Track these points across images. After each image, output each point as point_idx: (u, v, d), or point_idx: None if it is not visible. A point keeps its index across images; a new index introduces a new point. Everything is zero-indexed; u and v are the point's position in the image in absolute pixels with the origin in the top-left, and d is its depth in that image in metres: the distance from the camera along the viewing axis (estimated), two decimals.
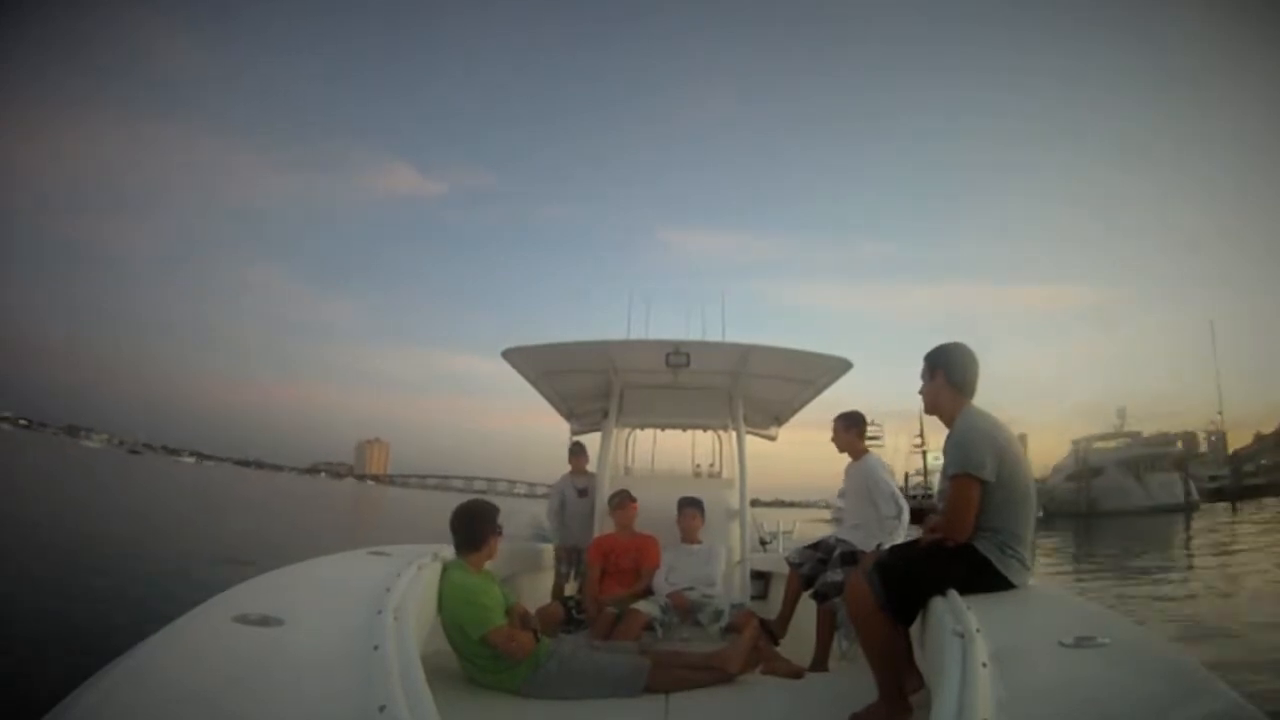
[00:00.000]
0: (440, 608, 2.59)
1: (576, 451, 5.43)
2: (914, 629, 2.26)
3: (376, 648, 1.61)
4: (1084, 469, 43.64)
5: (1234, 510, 34.99)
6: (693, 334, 5.09)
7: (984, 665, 1.53)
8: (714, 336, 5.15)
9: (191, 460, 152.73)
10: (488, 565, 2.89)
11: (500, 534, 2.91)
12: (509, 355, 4.90)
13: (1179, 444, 46.46)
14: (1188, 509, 36.12)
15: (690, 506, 4.40)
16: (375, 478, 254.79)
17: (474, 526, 2.84)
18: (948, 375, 2.38)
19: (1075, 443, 47.95)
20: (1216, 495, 40.89)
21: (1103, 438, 47.55)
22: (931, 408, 2.43)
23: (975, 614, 1.83)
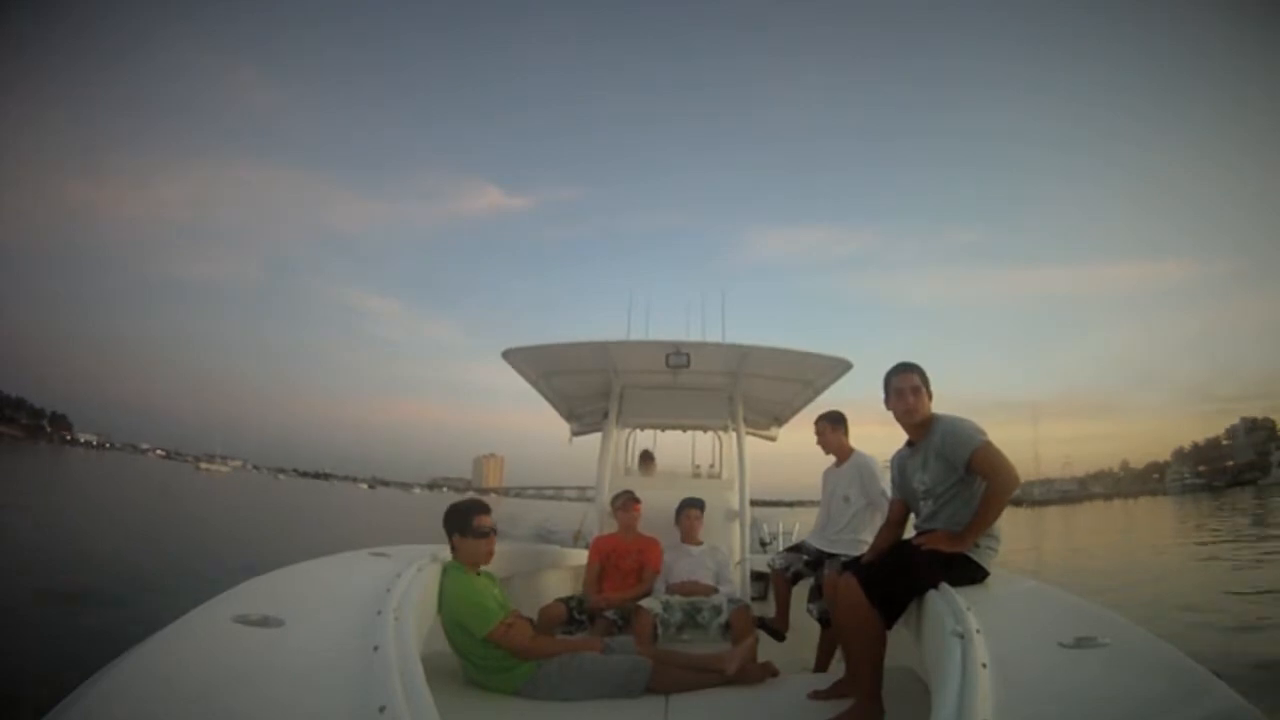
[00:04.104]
0: (440, 608, 2.58)
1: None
2: (912, 629, 2.28)
3: (376, 648, 1.61)
4: None
5: None
6: (692, 335, 5.03)
7: (984, 666, 1.54)
8: (714, 337, 5.08)
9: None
10: (487, 566, 2.83)
11: (467, 533, 2.72)
12: (509, 356, 4.87)
13: None
14: None
15: (691, 507, 4.39)
16: (495, 490, 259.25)
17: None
18: (928, 387, 2.59)
19: None
20: None
21: None
22: (919, 414, 2.59)
23: (975, 614, 1.83)
